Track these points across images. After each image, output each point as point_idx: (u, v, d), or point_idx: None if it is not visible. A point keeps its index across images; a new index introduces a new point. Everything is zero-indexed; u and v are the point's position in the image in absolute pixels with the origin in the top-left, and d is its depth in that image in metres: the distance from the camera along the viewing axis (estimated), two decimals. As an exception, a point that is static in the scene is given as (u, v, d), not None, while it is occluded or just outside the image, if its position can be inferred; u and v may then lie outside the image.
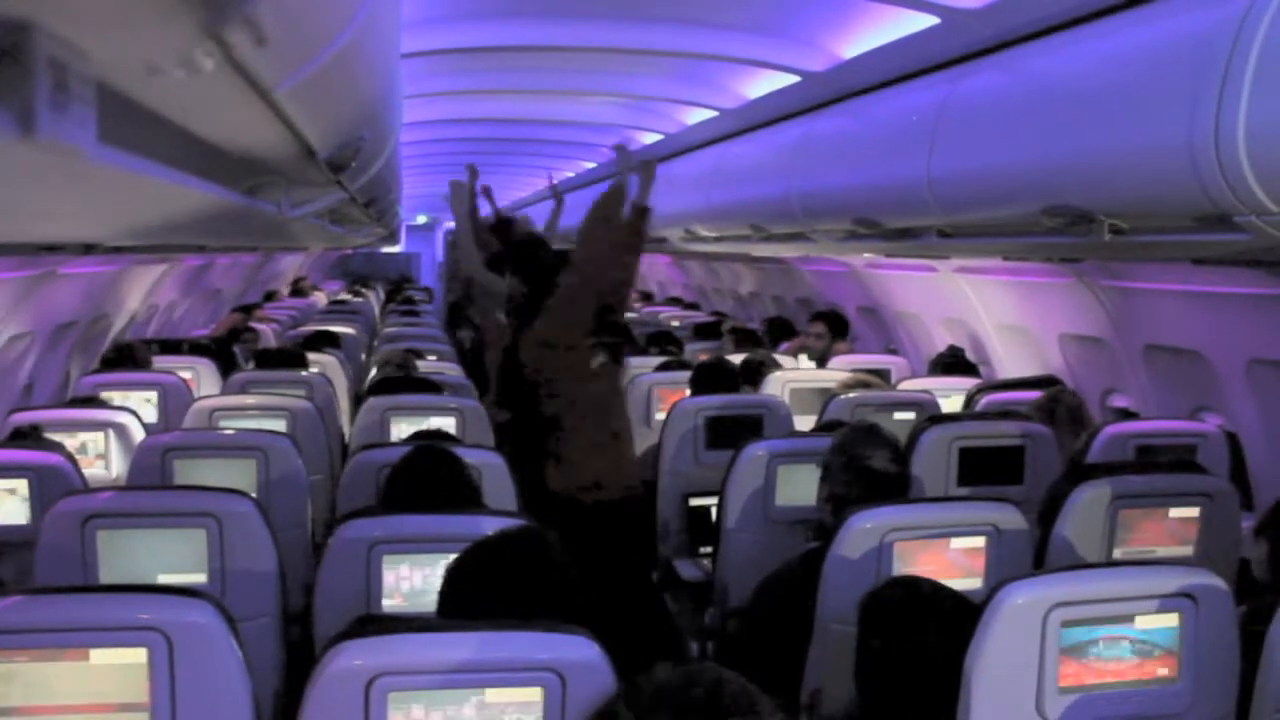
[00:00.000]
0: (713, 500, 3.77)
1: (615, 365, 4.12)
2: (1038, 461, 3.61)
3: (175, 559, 2.63)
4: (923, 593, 2.14)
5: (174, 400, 4.67)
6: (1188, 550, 3.00)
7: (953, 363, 5.45)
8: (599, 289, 4.05)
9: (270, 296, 11.59)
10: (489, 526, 2.18)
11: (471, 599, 1.98)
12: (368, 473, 3.26)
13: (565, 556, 2.07)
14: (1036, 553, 2.86)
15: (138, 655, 1.79)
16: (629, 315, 4.18)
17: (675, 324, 8.75)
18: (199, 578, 2.60)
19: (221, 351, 6.25)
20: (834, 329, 6.15)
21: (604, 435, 4.08)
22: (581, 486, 4.01)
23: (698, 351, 6.59)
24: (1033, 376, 4.92)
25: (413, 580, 2.52)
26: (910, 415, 4.31)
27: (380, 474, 3.13)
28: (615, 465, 4.10)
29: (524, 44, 5.15)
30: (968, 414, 4.42)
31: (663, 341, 6.95)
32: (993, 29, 3.51)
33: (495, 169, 11.61)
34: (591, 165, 10.16)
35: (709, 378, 4.65)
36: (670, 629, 4.01)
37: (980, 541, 2.65)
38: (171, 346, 6.13)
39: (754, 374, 5.13)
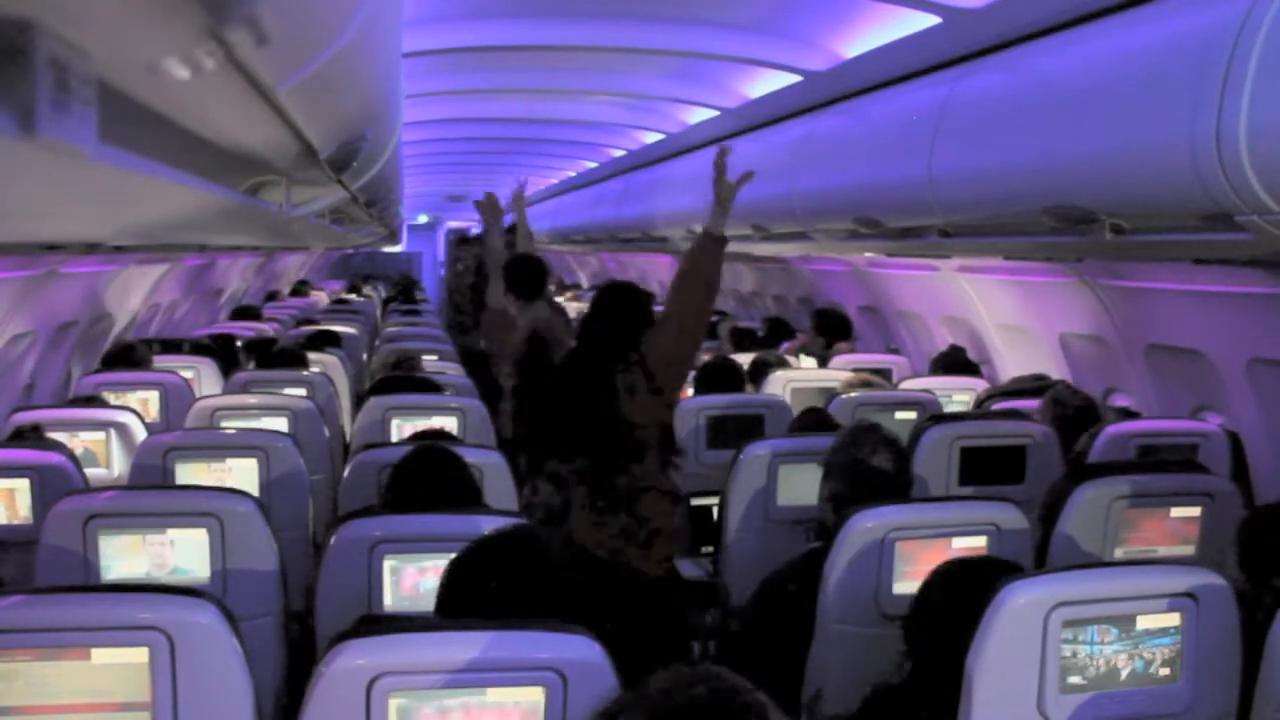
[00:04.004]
0: (714, 500, 3.76)
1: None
2: (1039, 461, 3.61)
3: (176, 559, 2.63)
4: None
5: (175, 400, 4.68)
6: (1189, 550, 3.00)
7: (954, 362, 5.44)
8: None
9: (272, 296, 11.60)
10: (489, 526, 2.18)
11: (470, 599, 1.98)
12: (369, 472, 3.26)
13: (564, 556, 2.07)
14: (1038, 552, 2.86)
15: (139, 655, 1.79)
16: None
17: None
18: (200, 577, 2.60)
19: (223, 351, 6.26)
20: (836, 328, 6.15)
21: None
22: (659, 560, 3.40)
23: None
24: (1035, 384, 4.88)
25: (414, 580, 2.52)
26: (911, 415, 4.32)
27: (381, 474, 3.13)
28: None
29: (525, 43, 5.15)
30: (969, 413, 4.42)
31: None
32: (994, 28, 3.50)
33: (496, 169, 11.61)
34: (592, 165, 10.15)
35: (712, 377, 4.64)
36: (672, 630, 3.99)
37: (981, 541, 2.65)
38: (173, 346, 6.13)
39: (761, 375, 5.13)
